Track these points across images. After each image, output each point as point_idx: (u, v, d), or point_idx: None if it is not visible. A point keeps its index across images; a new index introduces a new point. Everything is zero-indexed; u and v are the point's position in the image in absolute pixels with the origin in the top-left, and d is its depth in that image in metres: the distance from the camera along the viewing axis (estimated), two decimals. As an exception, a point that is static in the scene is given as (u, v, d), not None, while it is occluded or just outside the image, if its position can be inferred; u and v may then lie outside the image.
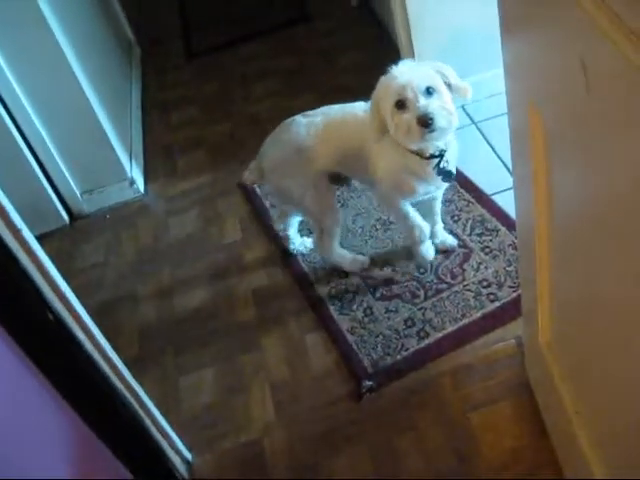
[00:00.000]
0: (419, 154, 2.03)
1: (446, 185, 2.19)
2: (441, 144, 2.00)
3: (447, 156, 2.05)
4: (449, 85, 1.92)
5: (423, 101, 1.84)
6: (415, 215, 2.27)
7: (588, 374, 1.34)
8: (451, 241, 2.39)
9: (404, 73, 1.88)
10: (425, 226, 2.29)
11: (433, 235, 2.37)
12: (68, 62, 2.73)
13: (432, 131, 1.86)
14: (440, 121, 1.85)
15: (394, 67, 1.91)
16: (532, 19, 1.07)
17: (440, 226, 2.39)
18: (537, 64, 1.11)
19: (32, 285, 1.43)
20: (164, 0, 5.00)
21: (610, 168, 0.87)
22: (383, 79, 1.93)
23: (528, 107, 1.21)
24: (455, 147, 2.09)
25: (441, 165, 2.04)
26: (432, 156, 2.03)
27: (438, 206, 2.34)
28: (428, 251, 2.36)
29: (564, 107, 1.01)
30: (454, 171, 2.10)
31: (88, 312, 1.65)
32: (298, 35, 4.10)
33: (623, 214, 0.87)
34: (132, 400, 1.79)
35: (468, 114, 2.98)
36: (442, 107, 1.86)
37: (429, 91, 1.86)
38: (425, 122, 1.83)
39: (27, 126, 2.81)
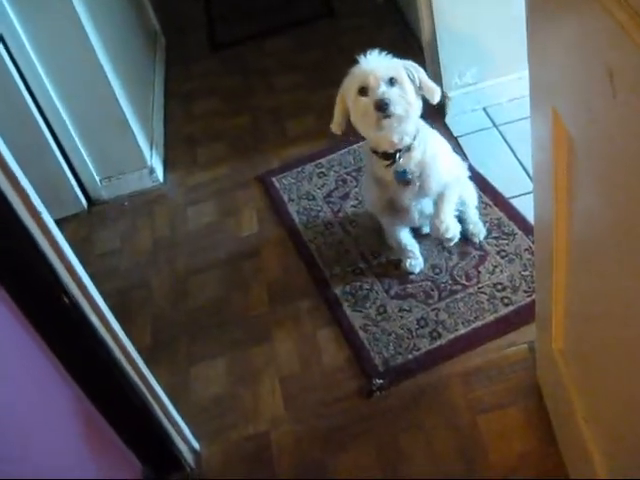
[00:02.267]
0: (375, 151, 2.08)
1: (409, 194, 2.15)
2: (396, 140, 2.03)
3: (406, 160, 2.06)
4: (417, 84, 1.98)
5: (383, 88, 1.91)
6: (400, 234, 2.34)
7: (599, 382, 1.34)
8: (451, 234, 2.24)
9: (370, 62, 1.95)
10: (411, 245, 2.36)
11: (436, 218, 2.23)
12: (93, 48, 2.74)
13: (387, 116, 1.91)
14: (396, 108, 1.91)
15: (362, 57, 1.97)
16: (558, 25, 1.07)
17: (446, 215, 2.19)
18: (562, 71, 1.11)
19: (49, 268, 1.44)
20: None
21: (635, 177, 0.86)
22: (351, 69, 1.99)
23: (551, 113, 1.21)
24: (421, 154, 2.08)
25: (395, 167, 2.07)
26: (386, 155, 2.07)
27: (445, 200, 2.18)
28: (412, 266, 2.37)
29: (589, 114, 1.01)
30: (411, 176, 2.09)
31: (103, 298, 1.66)
32: (322, 30, 4.10)
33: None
34: (143, 387, 1.80)
35: (490, 117, 2.97)
36: (401, 96, 1.93)
37: (392, 82, 1.93)
38: (381, 106, 1.89)
39: (50, 111, 2.83)
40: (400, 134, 2.02)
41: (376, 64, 1.94)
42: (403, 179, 2.10)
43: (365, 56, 1.96)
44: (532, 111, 1.40)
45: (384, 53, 1.98)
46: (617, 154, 0.92)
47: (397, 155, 2.06)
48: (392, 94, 1.91)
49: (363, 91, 1.93)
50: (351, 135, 2.58)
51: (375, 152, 2.10)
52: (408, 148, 2.06)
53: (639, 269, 0.93)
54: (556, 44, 1.10)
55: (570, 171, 1.21)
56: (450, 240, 2.34)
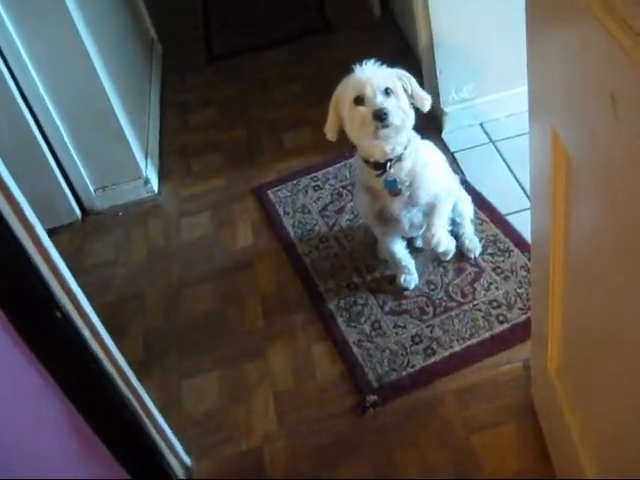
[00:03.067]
0: (367, 160, 2.08)
1: (399, 205, 2.14)
2: (388, 150, 2.03)
3: (396, 170, 2.06)
4: (409, 93, 2.00)
5: (380, 98, 1.92)
6: (394, 247, 2.33)
7: (597, 404, 1.33)
8: (443, 247, 2.24)
9: (366, 72, 1.96)
10: (406, 260, 2.35)
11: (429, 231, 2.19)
12: (90, 57, 2.73)
13: (385, 126, 1.93)
14: (394, 118, 1.92)
15: (357, 67, 1.98)
16: (559, 45, 1.06)
17: (437, 228, 2.17)
18: (562, 90, 1.10)
19: (42, 282, 1.43)
20: (188, 1, 5.00)
21: (635, 200, 0.85)
22: (345, 78, 2.00)
23: (550, 132, 1.20)
24: (411, 163, 2.08)
25: (386, 176, 2.07)
26: (377, 165, 2.07)
27: (436, 213, 2.17)
28: (406, 282, 2.36)
29: (589, 135, 1.00)
30: (401, 186, 2.09)
31: (95, 310, 1.64)
32: (319, 44, 4.10)
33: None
34: (134, 401, 1.78)
35: (486, 132, 2.97)
36: (398, 107, 1.94)
37: (387, 92, 1.94)
38: (380, 116, 1.90)
39: (46, 120, 2.82)
40: (393, 144, 2.02)
41: (372, 74, 1.95)
42: (393, 189, 2.10)
43: (360, 66, 1.97)
44: (531, 128, 1.39)
45: (379, 63, 1.98)
46: (618, 175, 0.91)
47: (388, 165, 2.06)
48: (390, 104, 1.92)
49: (359, 100, 1.94)
50: (346, 151, 2.60)
51: (366, 161, 2.10)
52: (399, 158, 2.06)
53: (637, 293, 0.92)
54: (556, 63, 1.10)
55: (568, 188, 1.20)
56: (444, 254, 2.34)
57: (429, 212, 2.18)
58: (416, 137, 2.11)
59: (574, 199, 1.19)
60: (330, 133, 2.07)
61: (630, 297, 0.96)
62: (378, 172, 2.08)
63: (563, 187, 1.22)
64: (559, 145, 1.17)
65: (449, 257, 2.37)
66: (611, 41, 0.81)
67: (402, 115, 1.95)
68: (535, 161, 1.42)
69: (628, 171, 0.86)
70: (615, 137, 0.89)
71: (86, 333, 1.57)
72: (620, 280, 1.00)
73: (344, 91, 1.99)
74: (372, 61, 1.98)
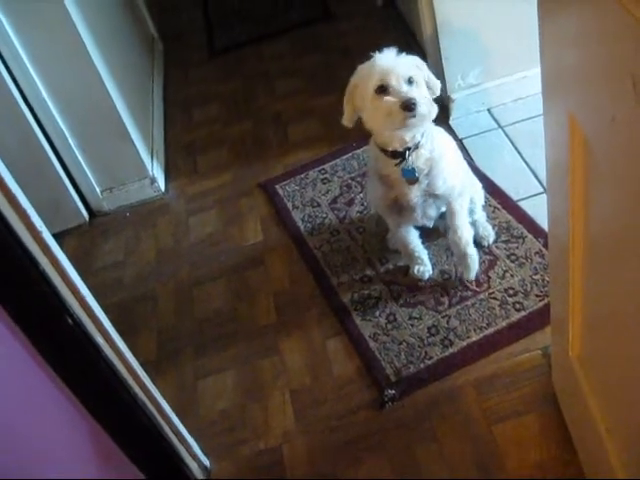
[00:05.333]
0: (384, 150, 2.05)
1: (416, 191, 2.10)
2: (408, 138, 2.01)
3: (414, 158, 2.04)
4: (427, 81, 1.98)
5: (406, 87, 1.89)
6: (408, 238, 2.30)
7: (622, 391, 1.30)
8: (471, 249, 2.25)
9: (387, 60, 1.92)
10: (419, 251, 2.33)
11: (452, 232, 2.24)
12: (90, 58, 2.71)
13: (413, 116, 1.89)
14: (422, 108, 1.89)
15: (377, 54, 1.94)
16: (575, 26, 1.03)
17: (463, 230, 2.21)
18: (579, 73, 1.07)
19: (52, 289, 1.40)
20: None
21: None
22: (364, 65, 1.96)
23: (567, 116, 1.17)
24: (429, 152, 2.05)
25: (404, 165, 2.04)
26: (395, 154, 2.04)
27: (456, 214, 2.20)
28: (420, 272, 2.34)
29: (608, 119, 0.97)
30: (419, 175, 2.06)
31: (106, 312, 1.62)
32: (322, 34, 4.06)
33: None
34: (150, 405, 1.76)
35: (494, 118, 2.93)
36: (424, 96, 1.92)
37: (410, 81, 1.91)
38: (409, 106, 1.87)
39: (49, 122, 2.80)
40: (414, 132, 1.99)
41: (395, 62, 1.91)
42: (411, 177, 2.07)
43: (380, 53, 1.93)
44: (545, 113, 1.36)
45: (397, 51, 1.94)
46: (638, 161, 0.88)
47: (407, 153, 2.03)
48: (416, 94, 1.88)
49: (382, 89, 1.89)
50: (354, 141, 2.56)
51: (383, 150, 2.06)
52: (416, 146, 2.03)
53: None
54: (572, 46, 1.06)
55: (587, 172, 1.17)
56: (472, 258, 2.28)
57: (448, 214, 2.18)
58: (431, 124, 2.08)
59: (593, 182, 1.16)
60: (347, 122, 2.04)
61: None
62: (396, 161, 2.05)
63: (582, 170, 1.19)
64: (576, 128, 1.14)
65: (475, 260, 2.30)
66: (633, 23, 0.78)
67: (428, 104, 1.91)
68: (551, 145, 1.39)
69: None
70: (636, 121, 0.85)
71: (99, 338, 1.55)
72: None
73: (364, 80, 1.93)
74: (391, 49, 1.94)
